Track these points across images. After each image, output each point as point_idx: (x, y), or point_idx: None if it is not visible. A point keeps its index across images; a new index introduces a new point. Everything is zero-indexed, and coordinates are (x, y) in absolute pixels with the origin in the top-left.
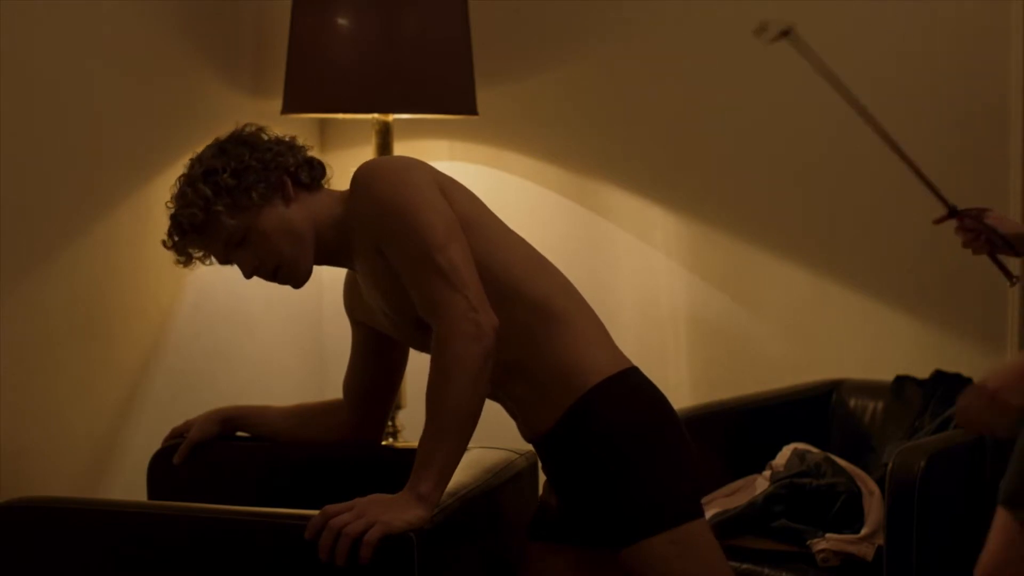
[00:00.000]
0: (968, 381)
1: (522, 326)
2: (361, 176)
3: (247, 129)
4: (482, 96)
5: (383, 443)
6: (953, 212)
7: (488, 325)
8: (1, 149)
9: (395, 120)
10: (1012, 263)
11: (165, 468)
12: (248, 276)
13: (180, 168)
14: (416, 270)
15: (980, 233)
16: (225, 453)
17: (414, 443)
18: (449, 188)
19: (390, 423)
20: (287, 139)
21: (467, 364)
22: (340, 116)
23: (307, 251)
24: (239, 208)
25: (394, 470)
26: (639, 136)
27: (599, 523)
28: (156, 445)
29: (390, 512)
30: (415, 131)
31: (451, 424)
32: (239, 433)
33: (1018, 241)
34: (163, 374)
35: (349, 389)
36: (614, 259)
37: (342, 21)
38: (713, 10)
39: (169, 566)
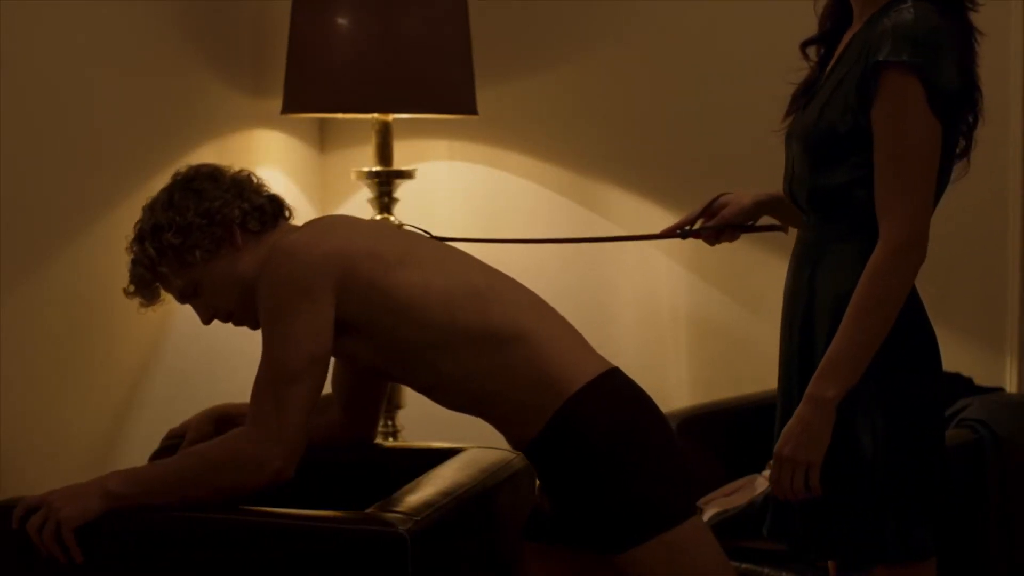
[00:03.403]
0: (968, 381)
1: (475, 361)
2: (271, 255)
3: (203, 171)
4: (482, 96)
5: (376, 442)
6: (685, 234)
7: (273, 468)
8: (1, 149)
9: (395, 120)
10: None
11: None
12: (206, 323)
13: (180, 168)
14: (261, 374)
15: (722, 232)
16: None
17: (411, 442)
18: (373, 240)
19: (389, 422)
20: (242, 179)
21: (233, 480)
22: (340, 116)
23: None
24: (184, 265)
25: (388, 469)
26: (639, 136)
27: (588, 529)
28: (155, 445)
29: (69, 506)
30: (415, 131)
31: (186, 492)
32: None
33: (762, 209)
34: (163, 374)
35: (337, 386)
36: (614, 259)
37: (342, 21)
38: (713, 10)
39: (168, 566)
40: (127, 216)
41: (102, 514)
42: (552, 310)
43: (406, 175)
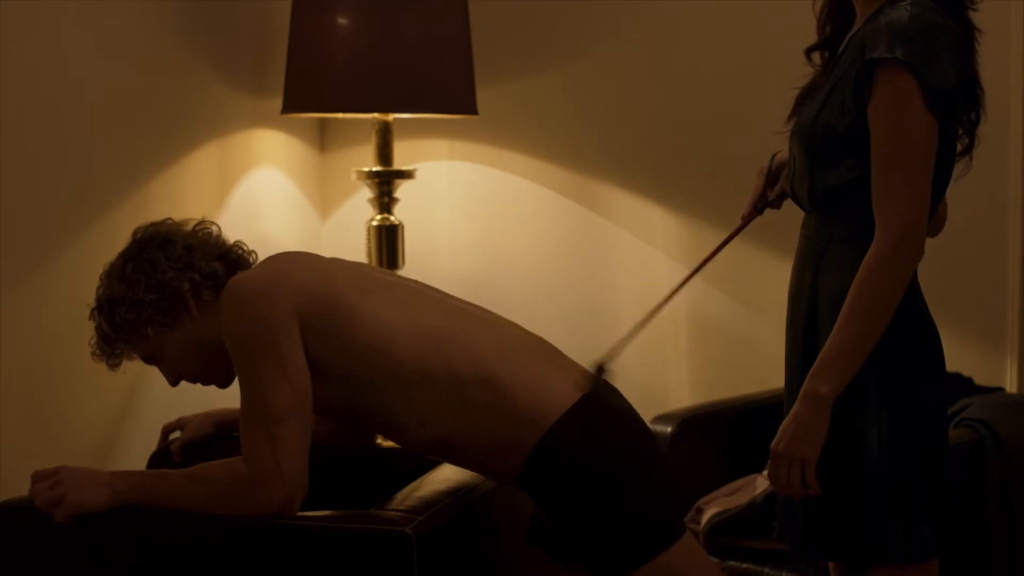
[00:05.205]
0: (969, 381)
1: (436, 405)
2: (224, 299)
3: (157, 236)
4: (482, 96)
5: (376, 442)
6: (762, 209)
7: (277, 505)
8: (1, 150)
9: (395, 120)
10: None
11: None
12: (172, 385)
13: (179, 168)
14: (248, 416)
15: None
16: (224, 454)
17: None
18: (332, 276)
19: None
20: (196, 243)
21: (229, 503)
22: (340, 116)
23: (222, 357)
24: (140, 338)
25: (389, 469)
26: (639, 136)
27: (583, 557)
28: (155, 445)
29: (78, 491)
30: (415, 131)
31: (185, 503)
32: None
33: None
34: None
35: None
36: (614, 259)
37: (342, 21)
38: (713, 10)
39: (168, 566)
40: (127, 216)
41: (104, 510)
42: (523, 342)
43: (406, 175)
